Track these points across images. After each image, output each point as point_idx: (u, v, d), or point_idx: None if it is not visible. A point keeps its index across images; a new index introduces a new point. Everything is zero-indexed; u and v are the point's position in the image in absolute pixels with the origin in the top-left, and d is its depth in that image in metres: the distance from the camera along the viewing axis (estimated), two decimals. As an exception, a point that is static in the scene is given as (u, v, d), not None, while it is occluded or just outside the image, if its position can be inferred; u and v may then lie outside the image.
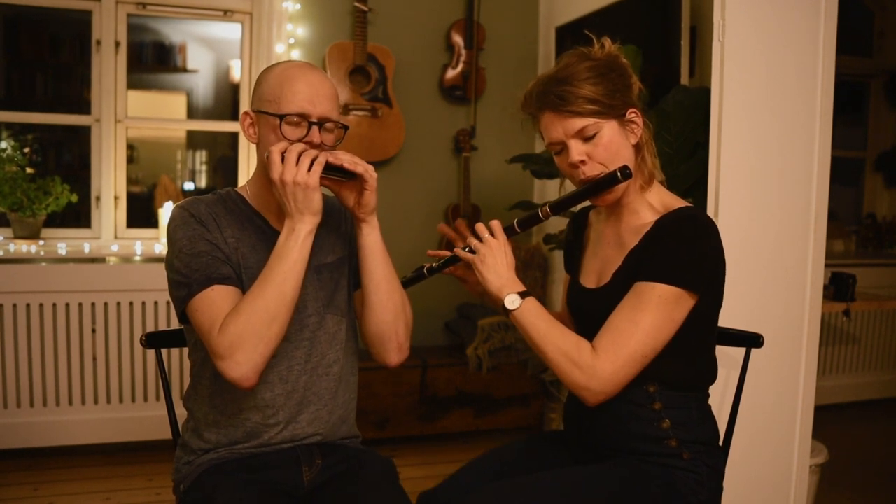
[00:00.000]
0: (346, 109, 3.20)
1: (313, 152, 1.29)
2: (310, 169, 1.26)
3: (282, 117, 1.32)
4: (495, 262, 1.37)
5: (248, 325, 1.24)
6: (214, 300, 1.28)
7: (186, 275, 1.31)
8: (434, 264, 1.49)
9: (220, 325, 1.25)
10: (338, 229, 1.52)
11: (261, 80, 1.39)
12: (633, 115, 1.39)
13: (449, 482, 1.47)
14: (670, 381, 1.36)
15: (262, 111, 1.35)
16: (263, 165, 1.39)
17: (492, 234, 1.40)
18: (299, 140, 1.32)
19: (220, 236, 1.36)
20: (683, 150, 2.29)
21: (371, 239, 1.41)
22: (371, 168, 1.34)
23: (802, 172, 1.97)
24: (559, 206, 1.41)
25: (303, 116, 1.33)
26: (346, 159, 1.32)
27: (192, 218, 1.35)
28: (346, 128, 1.41)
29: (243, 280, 1.35)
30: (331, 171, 1.31)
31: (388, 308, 1.44)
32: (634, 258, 1.36)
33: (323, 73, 1.38)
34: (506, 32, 3.54)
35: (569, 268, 1.61)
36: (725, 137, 1.90)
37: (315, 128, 1.34)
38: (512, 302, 1.35)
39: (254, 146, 1.44)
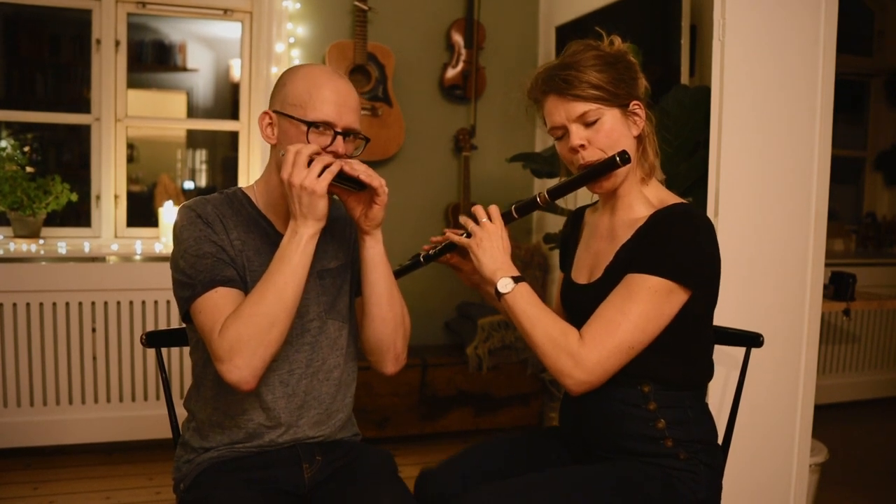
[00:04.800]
0: (346, 108, 3.19)
1: (327, 158, 1.27)
2: (321, 175, 1.25)
3: (309, 125, 1.31)
4: (491, 245, 1.37)
5: (248, 328, 1.24)
6: (217, 302, 1.28)
7: (191, 276, 1.30)
8: (430, 251, 1.49)
9: (221, 328, 1.25)
10: (342, 234, 1.51)
11: (285, 81, 1.37)
12: (637, 107, 1.39)
13: (448, 466, 1.47)
14: (665, 381, 1.35)
15: (287, 114, 1.33)
16: (277, 167, 1.37)
17: (489, 218, 1.40)
18: (324, 149, 1.31)
19: (226, 238, 1.35)
20: (684, 150, 2.29)
21: (374, 252, 1.40)
22: (384, 182, 1.33)
23: (802, 171, 1.97)
24: (557, 192, 1.41)
25: (329, 125, 1.32)
26: (362, 171, 1.31)
27: (198, 219, 1.35)
28: (367, 140, 1.41)
29: (247, 282, 1.35)
30: (344, 180, 1.30)
31: (387, 320, 1.44)
32: (626, 252, 1.36)
33: (348, 82, 1.37)
34: (506, 32, 3.54)
35: (563, 265, 1.61)
36: (726, 137, 1.90)
37: (340, 137, 1.33)
38: (505, 285, 1.35)
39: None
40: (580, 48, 1.40)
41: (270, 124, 1.38)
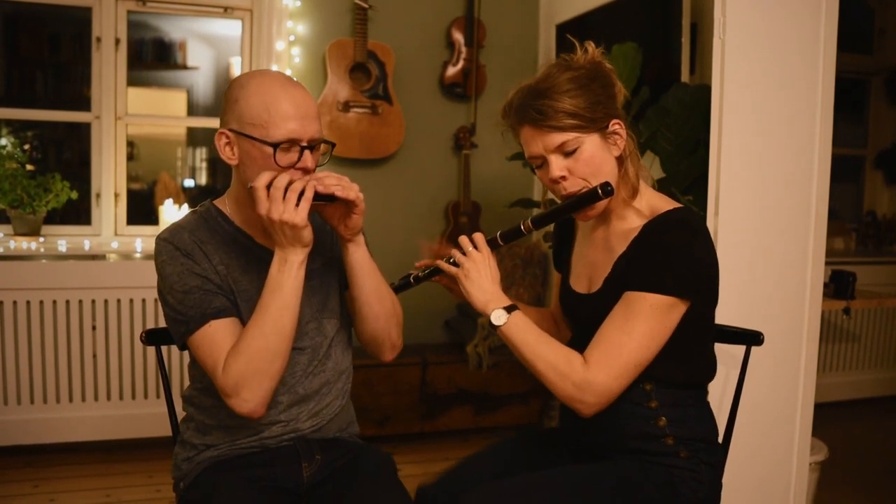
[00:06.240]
0: (346, 107, 3.19)
1: (299, 186, 1.23)
2: (298, 204, 1.21)
3: (275, 146, 1.26)
4: (479, 276, 1.36)
5: (251, 365, 1.24)
6: (214, 337, 1.28)
7: (182, 312, 1.30)
8: (420, 273, 1.48)
9: (224, 366, 1.25)
10: (322, 231, 1.48)
11: (236, 96, 1.29)
12: (617, 126, 1.36)
13: (447, 477, 1.46)
14: (666, 380, 1.35)
15: (247, 135, 1.27)
16: (244, 185, 1.31)
17: (475, 247, 1.38)
18: (291, 165, 1.28)
19: (209, 265, 1.33)
20: (684, 148, 2.29)
21: (357, 256, 1.39)
22: (359, 191, 1.30)
23: (803, 170, 1.97)
24: (541, 221, 1.40)
25: (294, 142, 1.27)
26: (335, 185, 1.27)
27: (177, 252, 1.32)
28: (333, 144, 1.37)
29: (238, 304, 1.34)
30: (320, 198, 1.27)
31: (379, 316, 1.44)
32: (623, 264, 1.35)
33: (303, 88, 1.32)
34: (506, 30, 3.53)
35: (557, 264, 1.61)
36: (726, 135, 1.90)
37: (307, 152, 1.29)
38: (498, 318, 1.33)
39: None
40: (553, 70, 1.36)
41: (229, 144, 1.31)
